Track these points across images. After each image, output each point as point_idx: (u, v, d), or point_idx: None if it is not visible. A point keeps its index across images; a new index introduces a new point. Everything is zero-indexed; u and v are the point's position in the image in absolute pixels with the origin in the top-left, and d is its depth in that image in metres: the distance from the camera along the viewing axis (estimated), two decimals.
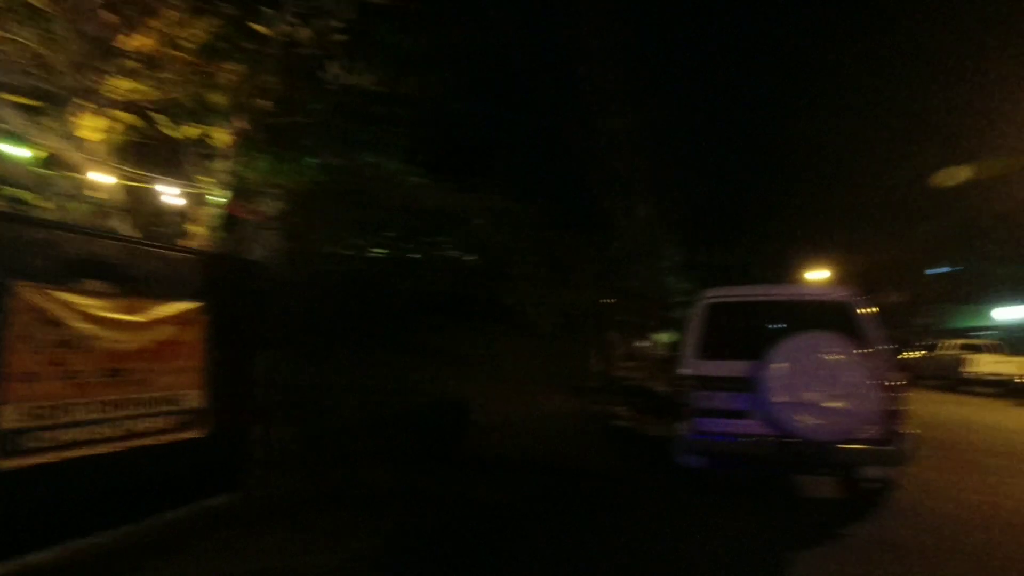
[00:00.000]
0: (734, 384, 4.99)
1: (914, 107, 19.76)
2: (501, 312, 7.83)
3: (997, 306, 24.75)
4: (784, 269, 30.38)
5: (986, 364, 17.70)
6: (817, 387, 4.60)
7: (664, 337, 20.33)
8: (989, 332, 22.84)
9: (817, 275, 28.87)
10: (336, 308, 5.46)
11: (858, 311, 5.04)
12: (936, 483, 6.20)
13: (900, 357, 22.04)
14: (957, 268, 27.40)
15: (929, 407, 13.62)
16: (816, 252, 29.79)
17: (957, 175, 18.75)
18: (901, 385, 4.83)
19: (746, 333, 5.18)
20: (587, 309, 13.08)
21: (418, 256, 6.30)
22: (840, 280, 24.61)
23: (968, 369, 17.92)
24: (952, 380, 18.40)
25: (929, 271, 29.85)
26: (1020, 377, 16.52)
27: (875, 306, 5.23)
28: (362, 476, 5.51)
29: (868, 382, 4.54)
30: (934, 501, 5.57)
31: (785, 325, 4.97)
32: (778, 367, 4.71)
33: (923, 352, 20.69)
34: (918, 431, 4.93)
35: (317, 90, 4.99)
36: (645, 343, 23.30)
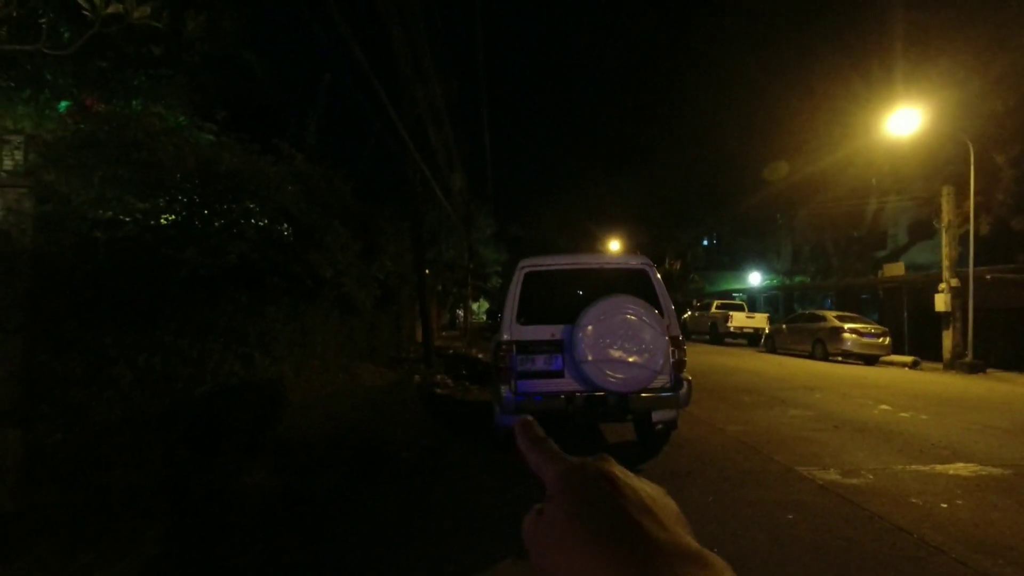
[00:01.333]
0: (550, 346, 5.35)
1: (706, 104, 22.75)
2: (316, 285, 7.34)
3: (747, 272, 30.10)
4: (587, 240, 33.35)
5: (739, 320, 21.52)
6: (620, 345, 5.12)
7: (483, 305, 21.06)
8: (741, 294, 27.72)
9: (614, 245, 32.25)
10: (114, 284, 4.60)
11: (652, 277, 5.71)
12: (705, 419, 7.40)
13: (681, 316, 25.75)
14: (717, 241, 32.66)
15: (700, 357, 16.14)
16: (612, 225, 33.20)
17: (779, 169, 22.25)
18: (683, 340, 5.63)
19: (559, 298, 5.55)
20: (405, 280, 12.94)
21: (221, 222, 5.54)
22: (631, 249, 27.77)
23: (728, 325, 21.62)
24: (717, 334, 22.06)
25: (702, 243, 35.16)
26: (762, 331, 20.38)
27: (661, 273, 5.99)
28: (143, 477, 4.81)
29: (660, 338, 5.18)
30: (704, 434, 6.65)
31: (593, 290, 5.44)
32: (588, 328, 5.15)
33: (695, 311, 24.39)
34: (692, 378, 5.79)
35: (69, 13, 4.03)
36: (463, 312, 23.99)
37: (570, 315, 5.21)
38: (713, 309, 22.70)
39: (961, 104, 15.34)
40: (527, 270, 5.72)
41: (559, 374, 5.35)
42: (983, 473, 5.15)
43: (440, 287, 14.59)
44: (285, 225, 6.27)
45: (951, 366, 15.26)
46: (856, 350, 15.74)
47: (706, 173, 26.75)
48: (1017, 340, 15.08)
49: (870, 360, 16.05)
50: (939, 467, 5.32)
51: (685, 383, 5.48)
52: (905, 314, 18.20)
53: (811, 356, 16.69)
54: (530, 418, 0.48)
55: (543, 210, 32.01)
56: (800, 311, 19.13)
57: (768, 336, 19.08)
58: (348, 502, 4.48)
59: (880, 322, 18.94)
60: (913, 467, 5.33)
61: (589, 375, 5.13)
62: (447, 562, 3.40)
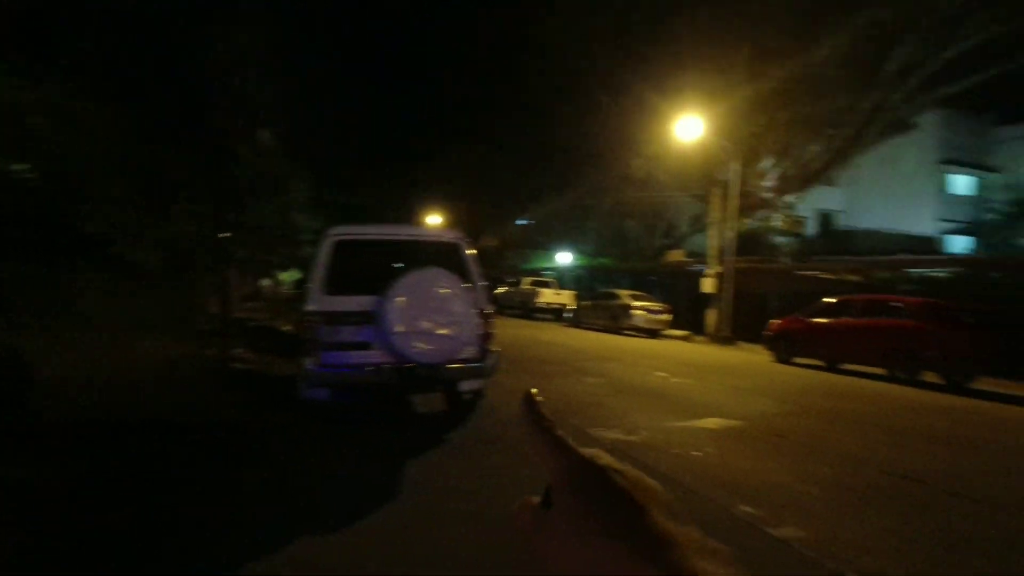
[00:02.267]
0: (358, 318, 5.18)
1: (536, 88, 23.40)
2: (83, 244, 6.15)
3: (558, 251, 32.31)
4: (407, 212, 32.93)
5: (548, 296, 23.09)
6: (430, 317, 5.14)
7: (291, 275, 19.62)
8: (551, 271, 29.74)
9: (433, 219, 32.31)
10: None
11: (464, 251, 5.81)
12: (512, 388, 7.82)
13: (494, 291, 26.89)
14: (531, 221, 34.55)
15: (510, 330, 17.00)
16: (433, 199, 33.24)
17: (592, 162, 23.63)
18: (492, 313, 5.85)
19: (369, 269, 5.38)
20: (201, 244, 11.50)
21: None
22: (450, 225, 28.18)
23: (537, 300, 23.07)
24: (528, 309, 23.42)
25: (517, 222, 36.81)
26: (568, 307, 22.14)
27: (476, 248, 6.13)
28: None
29: (470, 311, 5.31)
30: (511, 401, 7.03)
31: (404, 262, 5.36)
32: (398, 300, 5.08)
33: (508, 287, 25.58)
34: (500, 349, 6.07)
35: None
36: (270, 281, 22.06)
37: (381, 286, 5.09)
38: (524, 285, 24.03)
39: (731, 118, 18.05)
40: (337, 239, 5.45)
41: (368, 346, 5.22)
42: (727, 425, 6.23)
43: (245, 253, 13.23)
44: (27, 166, 5.12)
45: (714, 339, 18.14)
46: (643, 325, 17.92)
47: (528, 158, 28.03)
48: (758, 318, 18.46)
49: (654, 334, 18.39)
50: (697, 422, 6.30)
51: (492, 354, 5.71)
52: (681, 294, 21.16)
53: (608, 330, 18.59)
54: (537, 397, 0.44)
55: (369, 179, 30.79)
56: (600, 290, 21.18)
57: (573, 312, 20.83)
58: (129, 495, 3.88)
59: (665, 301, 21.78)
60: (678, 424, 6.24)
61: (399, 347, 5.08)
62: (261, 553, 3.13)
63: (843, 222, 32.30)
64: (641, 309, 17.80)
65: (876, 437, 6.05)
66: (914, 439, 6.08)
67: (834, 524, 3.69)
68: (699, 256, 23.02)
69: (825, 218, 32.88)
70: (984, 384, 10.92)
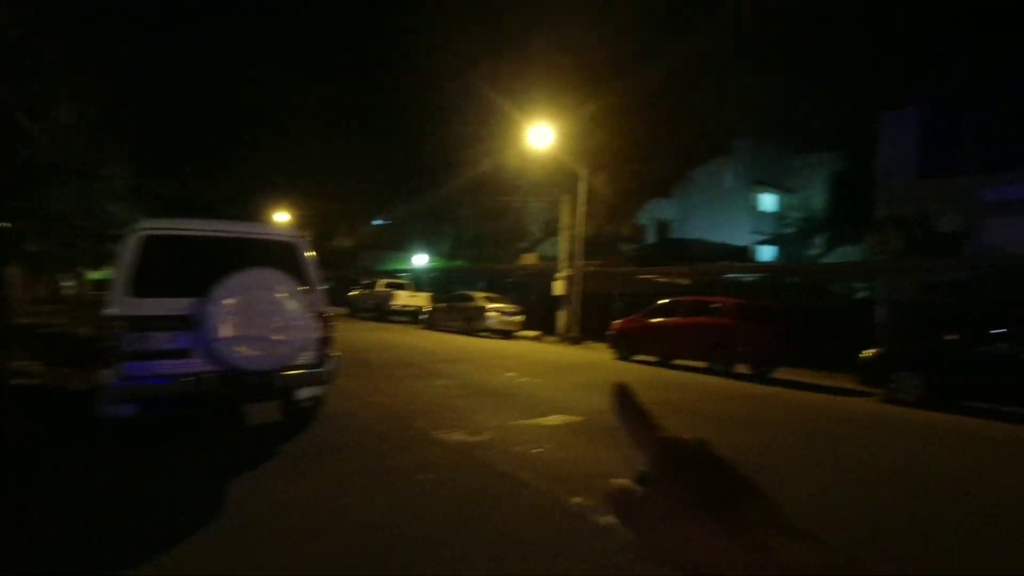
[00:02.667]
0: (172, 322, 4.60)
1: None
2: None
3: (414, 253, 31.91)
4: (253, 208, 30.42)
5: (403, 299, 22.68)
6: (259, 321, 4.73)
7: (99, 274, 17.12)
8: (407, 273, 29.27)
9: (281, 217, 30.20)
10: None
11: (301, 251, 5.44)
12: (357, 393, 7.50)
13: (348, 294, 25.83)
14: (388, 221, 33.81)
15: (362, 334, 16.41)
16: (281, 195, 31.08)
17: (452, 163, 23.31)
18: (330, 316, 5.54)
19: (188, 269, 4.81)
20: None
21: None
22: (301, 223, 26.57)
23: (393, 303, 22.55)
24: (383, 312, 22.78)
25: (373, 222, 35.75)
26: (424, 309, 21.90)
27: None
28: None
29: (305, 314, 4.97)
30: (355, 407, 6.72)
31: (230, 261, 4.87)
32: (222, 303, 4.60)
33: (363, 289, 24.70)
34: (341, 354, 5.77)
35: None
36: (72, 282, 19.01)
37: (200, 288, 4.57)
38: (379, 287, 23.37)
39: (578, 132, 19.18)
40: (147, 233, 4.80)
41: (185, 353, 4.66)
42: (567, 421, 6.52)
43: (38, 248, 11.23)
44: None
45: (563, 339, 19.05)
46: (497, 326, 18.28)
47: (385, 158, 27.37)
48: (603, 317, 19.77)
49: (508, 335, 18.85)
50: (539, 420, 6.52)
51: (332, 359, 5.41)
52: (534, 296, 21.98)
53: (463, 332, 18.69)
54: (628, 387, 0.46)
55: (209, 170, 27.82)
56: (455, 292, 21.27)
57: (428, 314, 20.66)
58: None
59: (518, 302, 22.43)
60: (522, 422, 6.40)
61: (223, 353, 4.60)
62: None
63: (676, 231, 35.83)
64: (495, 311, 18.16)
65: (692, 423, 6.71)
66: (724, 424, 6.85)
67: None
68: (553, 259, 24.08)
69: (662, 227, 36.23)
70: (783, 374, 12.68)
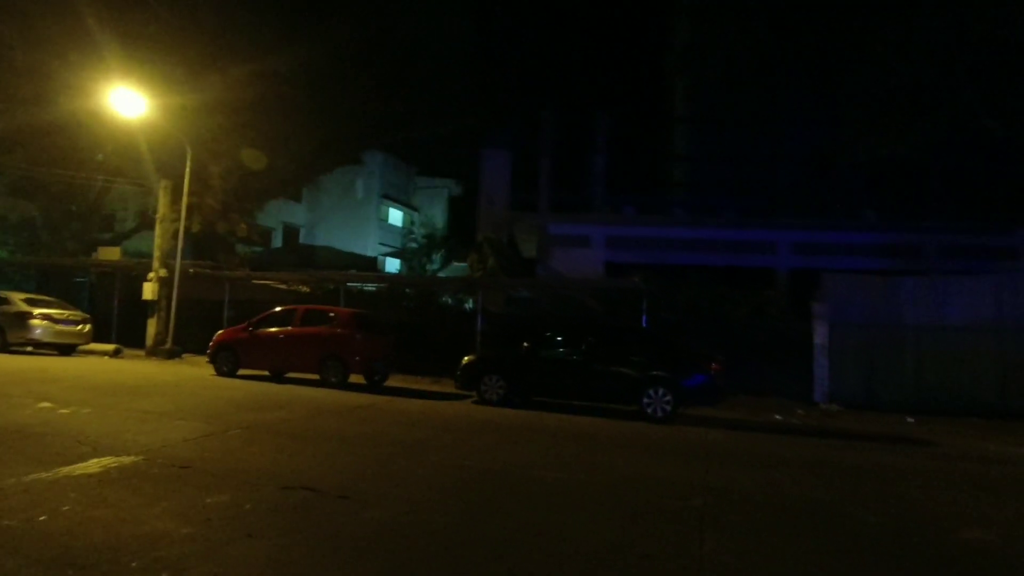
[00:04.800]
0: None
1: None
2: None
3: None
4: None
5: None
6: None
7: None
8: None
9: None
10: None
11: None
12: None
13: None
14: None
15: None
16: None
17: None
18: None
19: None
20: None
21: None
22: None
23: None
24: None
25: None
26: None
27: None
28: None
29: None
30: None
31: None
32: None
33: None
34: None
35: None
36: None
37: None
38: None
39: (188, 109, 16.27)
40: None
41: None
42: (114, 465, 4.89)
43: None
44: None
45: (153, 353, 15.70)
46: (49, 339, 13.81)
47: None
48: (208, 327, 17.12)
49: (67, 349, 14.48)
50: (67, 469, 4.71)
51: None
52: (116, 300, 17.60)
53: None
54: None
55: None
56: None
57: None
58: None
59: (92, 307, 17.60)
60: (33, 476, 4.49)
61: None
62: None
63: (304, 238, 34.49)
64: (46, 318, 13.66)
65: (290, 448, 5.94)
66: (325, 443, 6.29)
67: (213, 563, 3.08)
68: (147, 257, 19.83)
69: (290, 232, 34.34)
70: (395, 381, 13.02)
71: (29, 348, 14.13)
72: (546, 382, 10.32)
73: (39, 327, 13.47)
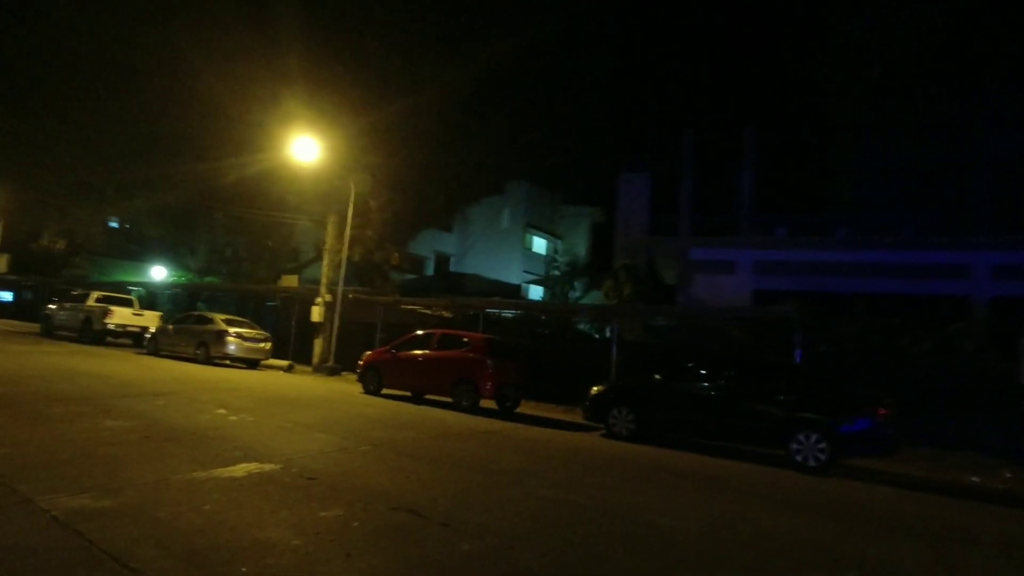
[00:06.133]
0: None
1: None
2: None
3: (154, 264, 27.17)
4: None
5: (123, 317, 18.81)
6: None
7: None
8: (138, 288, 24.66)
9: None
10: None
11: None
12: None
13: (46, 307, 20.64)
14: (125, 224, 28.40)
15: (45, 359, 12.98)
16: None
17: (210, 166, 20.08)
18: None
19: None
20: None
21: None
22: None
23: (108, 321, 18.53)
24: (93, 332, 18.55)
25: (109, 223, 29.67)
26: (149, 330, 18.41)
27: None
28: None
29: None
30: None
31: None
32: None
33: (66, 302, 19.98)
34: None
35: None
36: None
37: None
38: (90, 302, 19.08)
39: (356, 150, 18.25)
40: None
41: None
42: (256, 471, 5.44)
43: None
44: None
45: (318, 369, 17.52)
46: (239, 354, 16.05)
47: (119, 140, 22.76)
48: (365, 347, 18.74)
49: (253, 364, 16.69)
50: (219, 471, 5.33)
51: None
52: (293, 322, 20.03)
53: (196, 360, 16.01)
54: None
55: None
56: (188, 312, 18.33)
57: (152, 337, 17.38)
58: None
59: (275, 328, 20.20)
60: (195, 475, 5.15)
61: None
62: None
63: (454, 266, 36.57)
64: (238, 336, 15.93)
65: (409, 468, 6.16)
66: (443, 466, 6.43)
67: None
68: (317, 283, 22.38)
69: (441, 260, 36.68)
70: (527, 408, 13.07)
71: (227, 361, 16.54)
72: (680, 418, 9.63)
73: (233, 343, 15.76)
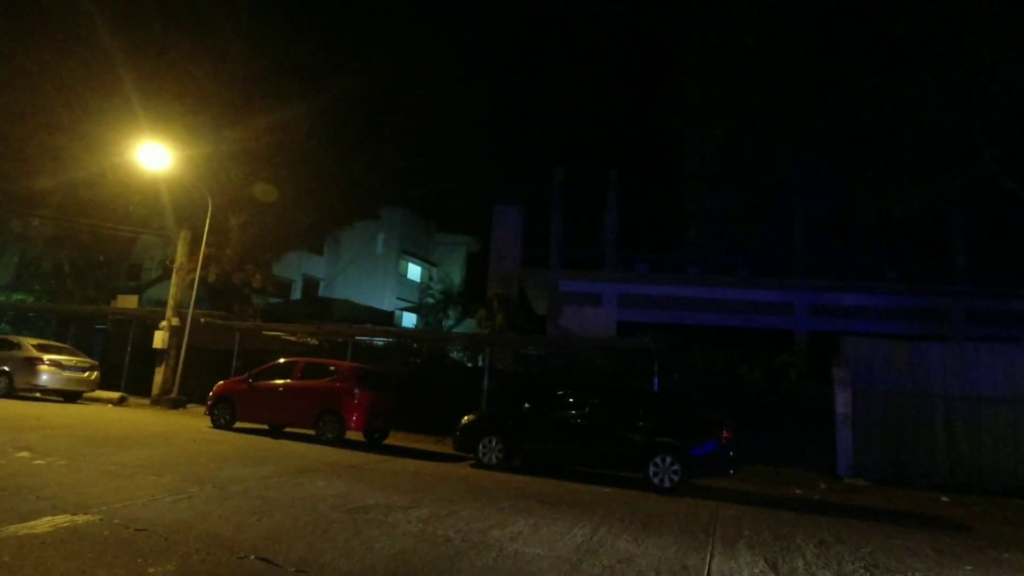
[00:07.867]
0: None
1: None
2: None
3: None
4: None
5: None
6: None
7: None
8: None
9: None
10: None
11: None
12: None
13: None
14: None
15: None
16: None
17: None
18: None
19: None
20: None
21: None
22: None
23: None
24: None
25: None
26: None
27: None
28: None
29: None
30: None
31: None
32: None
33: None
34: None
35: None
36: None
37: None
38: None
39: (211, 160, 16.81)
40: None
41: None
42: (65, 524, 4.62)
43: None
44: None
45: (157, 402, 15.60)
46: (56, 385, 13.82)
47: None
48: (217, 377, 17.02)
49: (72, 396, 14.46)
50: (13, 527, 4.44)
51: None
52: (129, 348, 17.71)
53: (1, 394, 13.50)
54: None
55: None
56: None
57: None
58: None
59: (105, 355, 17.74)
60: None
61: None
62: None
63: (324, 291, 34.84)
64: (54, 364, 13.72)
65: (261, 510, 5.59)
66: (300, 506, 5.91)
67: None
68: (166, 305, 20.09)
69: (309, 283, 34.77)
70: (397, 439, 12.60)
71: (37, 394, 14.13)
72: (547, 446, 9.83)
73: (46, 373, 13.51)
